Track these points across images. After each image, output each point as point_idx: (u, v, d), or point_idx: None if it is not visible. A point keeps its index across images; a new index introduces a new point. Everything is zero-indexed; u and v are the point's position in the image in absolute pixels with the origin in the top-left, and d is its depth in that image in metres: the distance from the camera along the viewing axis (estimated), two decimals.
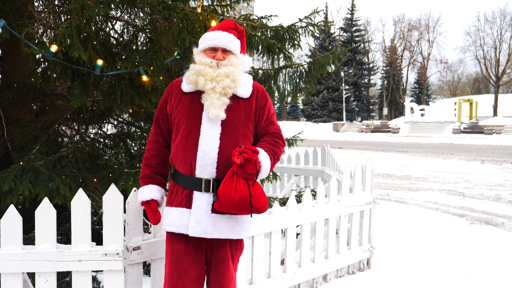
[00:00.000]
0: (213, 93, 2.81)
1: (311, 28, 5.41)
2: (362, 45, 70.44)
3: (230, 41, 2.94)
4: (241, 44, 3.05)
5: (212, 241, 2.92)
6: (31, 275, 3.40)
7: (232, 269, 3.01)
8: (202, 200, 2.83)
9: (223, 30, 2.96)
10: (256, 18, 5.27)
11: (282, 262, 4.54)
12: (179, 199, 2.89)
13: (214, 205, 2.77)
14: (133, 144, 5.36)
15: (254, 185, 2.75)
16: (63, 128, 5.25)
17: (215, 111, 2.80)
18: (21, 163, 3.87)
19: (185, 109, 2.92)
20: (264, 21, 5.31)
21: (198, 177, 2.83)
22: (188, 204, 2.86)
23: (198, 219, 2.81)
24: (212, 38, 2.93)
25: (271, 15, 5.46)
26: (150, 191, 3.01)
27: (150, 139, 3.09)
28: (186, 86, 2.95)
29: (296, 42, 5.20)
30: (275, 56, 5.16)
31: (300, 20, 5.42)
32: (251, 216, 2.91)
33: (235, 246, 3.03)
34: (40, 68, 4.89)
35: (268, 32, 5.06)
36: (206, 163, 2.81)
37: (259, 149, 2.79)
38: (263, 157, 2.80)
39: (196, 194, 2.84)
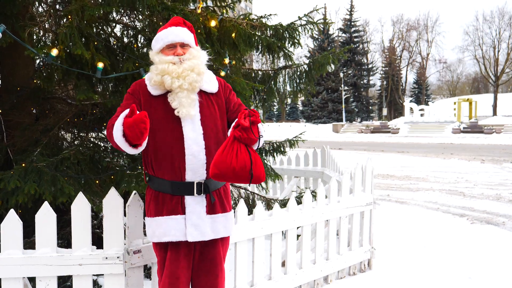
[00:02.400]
0: (181, 92, 2.76)
1: (310, 26, 5.41)
2: (361, 46, 70.51)
3: (186, 34, 2.89)
4: (194, 38, 2.99)
5: (202, 243, 2.90)
6: (32, 280, 3.39)
7: (224, 271, 3.01)
8: (195, 203, 2.81)
9: (175, 26, 2.90)
10: (256, 17, 5.27)
11: (283, 264, 4.53)
12: (170, 207, 2.81)
13: (210, 173, 2.58)
14: None
15: (255, 152, 2.65)
16: (64, 131, 5.24)
17: (185, 110, 2.75)
18: (23, 164, 3.86)
19: (160, 113, 2.81)
20: (264, 20, 5.31)
21: (189, 181, 2.79)
22: (180, 210, 2.80)
23: (195, 223, 2.79)
24: (167, 35, 2.85)
25: (270, 14, 5.46)
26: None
27: (114, 120, 2.66)
28: (154, 89, 2.84)
29: (296, 40, 5.21)
30: (275, 55, 5.16)
31: (300, 18, 5.42)
32: (249, 185, 2.87)
33: (225, 244, 3.03)
34: (42, 68, 4.90)
35: (268, 31, 5.06)
36: (196, 166, 2.78)
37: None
38: (261, 124, 2.73)
39: (188, 199, 2.81)
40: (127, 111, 2.51)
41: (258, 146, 2.70)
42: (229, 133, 2.71)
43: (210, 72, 3.06)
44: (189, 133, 2.79)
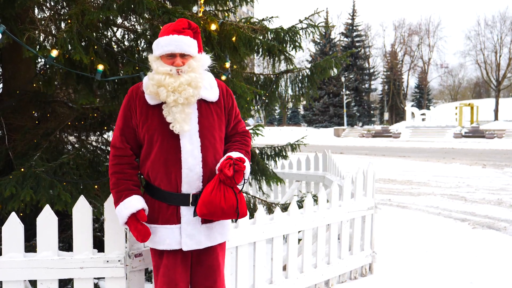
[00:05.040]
0: (175, 107, 2.71)
1: (311, 29, 5.40)
2: (362, 50, 70.50)
3: (188, 44, 2.77)
4: (198, 43, 2.88)
5: (199, 249, 2.89)
6: (33, 283, 3.39)
7: (223, 274, 3.00)
8: (191, 214, 2.80)
9: (178, 33, 2.76)
10: (257, 20, 5.27)
11: (284, 268, 4.52)
12: (165, 216, 2.81)
13: (198, 212, 2.70)
14: None
15: (240, 192, 2.79)
16: (64, 135, 5.25)
17: (179, 125, 2.71)
18: (22, 169, 3.86)
19: (157, 123, 2.78)
20: (265, 23, 5.31)
21: (185, 193, 2.79)
22: (176, 220, 2.80)
23: (190, 233, 2.79)
24: (167, 43, 2.74)
25: (272, 17, 5.45)
26: (139, 201, 2.78)
27: (119, 153, 2.86)
28: (151, 98, 2.80)
29: (297, 44, 5.19)
30: (276, 59, 5.16)
31: (301, 21, 5.42)
32: (235, 221, 2.91)
33: (222, 249, 3.02)
34: (42, 72, 4.90)
35: (269, 35, 5.05)
36: (192, 179, 2.78)
37: (244, 157, 2.83)
38: (247, 164, 2.84)
39: (183, 210, 2.80)
40: (139, 204, 2.76)
41: (242, 187, 2.85)
42: (217, 168, 2.81)
43: (211, 77, 2.99)
44: (186, 145, 2.77)
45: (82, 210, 3.13)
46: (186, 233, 2.78)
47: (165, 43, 2.76)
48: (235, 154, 2.81)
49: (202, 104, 2.88)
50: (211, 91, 2.93)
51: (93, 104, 4.26)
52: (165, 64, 2.75)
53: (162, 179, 2.79)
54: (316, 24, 5.49)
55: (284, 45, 5.07)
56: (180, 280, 2.82)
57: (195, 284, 2.92)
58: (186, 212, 2.80)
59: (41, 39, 4.16)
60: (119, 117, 2.92)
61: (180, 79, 2.71)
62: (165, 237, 2.79)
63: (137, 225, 2.74)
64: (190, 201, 2.79)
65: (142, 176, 2.98)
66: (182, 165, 2.76)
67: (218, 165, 2.79)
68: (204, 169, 2.80)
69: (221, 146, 2.95)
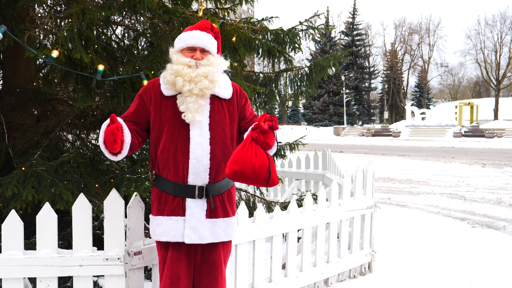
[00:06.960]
0: (189, 96, 2.79)
1: (311, 31, 5.40)
2: (363, 49, 70.51)
3: (209, 41, 2.92)
4: (217, 45, 3.03)
5: (203, 246, 2.91)
6: (33, 280, 3.40)
7: (225, 274, 3.02)
8: (196, 207, 2.83)
9: (201, 30, 2.94)
10: (257, 21, 5.27)
11: (284, 266, 4.53)
12: (171, 208, 2.85)
13: (227, 171, 2.57)
14: None
15: (270, 156, 2.67)
16: (64, 133, 5.24)
17: (191, 115, 2.78)
18: (23, 168, 3.87)
19: (169, 114, 2.86)
20: (265, 23, 5.30)
21: (191, 184, 2.82)
22: (181, 211, 2.83)
23: (193, 226, 2.81)
24: (190, 37, 2.90)
25: (272, 17, 5.45)
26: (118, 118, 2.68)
27: (122, 116, 2.87)
28: (166, 89, 2.89)
29: (296, 45, 5.19)
30: (276, 60, 5.16)
31: (301, 23, 5.42)
32: (266, 187, 2.85)
33: (226, 248, 3.04)
34: (42, 72, 4.90)
35: (269, 35, 5.05)
36: (199, 170, 2.81)
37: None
38: (276, 133, 2.76)
39: (189, 202, 2.83)
40: (108, 120, 2.64)
41: (273, 153, 2.78)
42: (245, 136, 2.69)
43: (226, 77, 3.08)
44: (195, 137, 2.82)
45: (81, 208, 3.14)
46: (189, 225, 2.81)
47: (187, 37, 2.91)
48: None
49: (215, 100, 2.95)
50: (224, 89, 3.00)
51: (90, 107, 4.26)
52: (185, 56, 2.87)
53: (170, 169, 2.83)
54: (316, 25, 5.49)
55: (284, 46, 5.07)
56: (182, 274, 2.84)
57: (197, 281, 2.94)
58: (191, 204, 2.83)
59: (41, 37, 4.17)
60: (132, 104, 3.00)
61: (198, 70, 2.81)
62: (170, 228, 2.82)
63: (105, 130, 2.63)
64: (196, 193, 2.82)
65: (152, 170, 3.02)
66: (190, 155, 2.80)
67: (248, 131, 2.69)
68: (212, 161, 2.84)
69: (231, 143, 2.98)
